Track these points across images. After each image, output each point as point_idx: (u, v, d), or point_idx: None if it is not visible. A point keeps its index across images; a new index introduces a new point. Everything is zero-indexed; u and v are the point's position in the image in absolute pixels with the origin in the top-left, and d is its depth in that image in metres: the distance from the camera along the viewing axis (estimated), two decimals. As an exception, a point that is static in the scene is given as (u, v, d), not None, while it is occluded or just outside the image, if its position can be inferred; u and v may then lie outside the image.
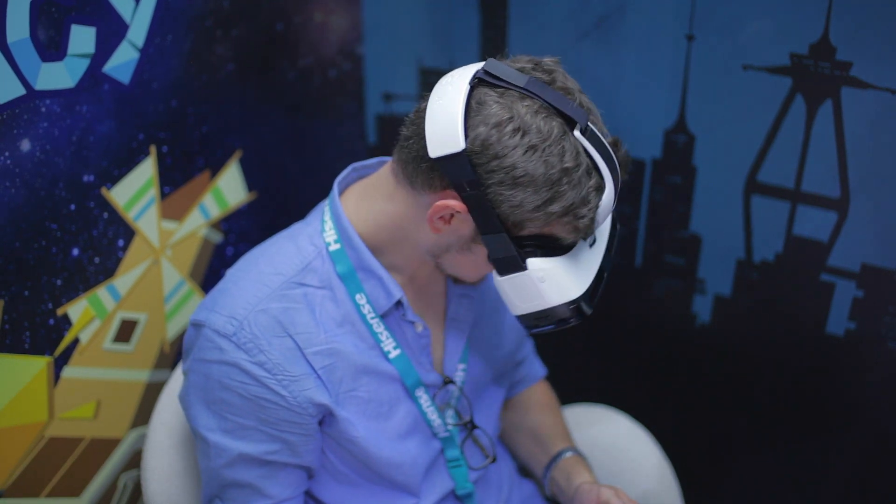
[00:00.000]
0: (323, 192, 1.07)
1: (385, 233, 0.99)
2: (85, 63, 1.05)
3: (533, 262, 0.91)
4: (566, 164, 0.86)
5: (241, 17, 1.30)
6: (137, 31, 1.12)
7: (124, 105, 1.13)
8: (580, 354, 1.62)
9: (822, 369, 1.38)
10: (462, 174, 0.87)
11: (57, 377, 1.11)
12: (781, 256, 1.35)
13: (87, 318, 1.14)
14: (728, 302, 1.43)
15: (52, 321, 1.09)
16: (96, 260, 1.14)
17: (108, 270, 1.16)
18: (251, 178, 1.40)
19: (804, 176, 1.28)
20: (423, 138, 0.88)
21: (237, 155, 1.36)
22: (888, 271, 1.26)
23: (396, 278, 1.02)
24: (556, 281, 0.92)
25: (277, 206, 1.47)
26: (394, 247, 1.00)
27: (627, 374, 1.59)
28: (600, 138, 0.89)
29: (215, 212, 1.34)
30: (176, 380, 1.19)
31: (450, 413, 1.10)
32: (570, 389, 1.40)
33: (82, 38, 1.04)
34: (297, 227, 1.06)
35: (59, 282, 1.09)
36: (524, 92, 0.87)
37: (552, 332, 0.97)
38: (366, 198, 1.01)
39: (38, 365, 1.08)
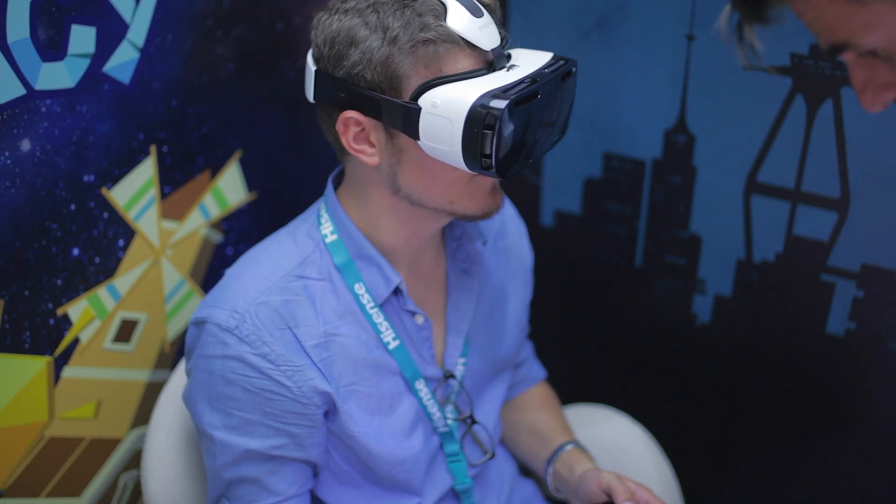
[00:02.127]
0: (323, 191, 1.07)
1: (366, 214, 1.01)
2: (85, 63, 1.05)
3: (423, 99, 0.87)
4: (378, 3, 0.88)
5: (242, 17, 1.30)
6: (137, 31, 1.12)
7: (124, 105, 1.13)
8: (580, 354, 1.62)
9: (822, 369, 1.38)
10: (329, 87, 0.92)
11: (57, 377, 1.11)
12: (781, 256, 1.35)
13: (88, 318, 1.14)
14: (728, 302, 1.43)
15: (52, 321, 1.09)
16: (96, 260, 1.14)
17: (108, 270, 1.16)
18: (251, 178, 1.40)
19: (804, 176, 1.28)
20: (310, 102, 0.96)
21: (237, 155, 1.36)
22: (888, 271, 1.26)
23: (397, 269, 1.03)
24: (451, 95, 0.85)
25: (278, 206, 1.47)
26: (379, 226, 1.01)
27: (627, 374, 1.59)
28: None
29: (215, 212, 1.34)
30: (176, 380, 1.19)
31: (449, 408, 1.10)
32: (570, 389, 1.40)
33: (82, 38, 1.04)
34: (294, 224, 1.07)
35: (59, 282, 1.09)
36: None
37: (515, 157, 0.88)
38: (348, 192, 1.03)
39: (38, 365, 1.08)
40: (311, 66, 0.94)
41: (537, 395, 1.30)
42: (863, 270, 1.28)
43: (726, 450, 1.55)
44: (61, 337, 1.11)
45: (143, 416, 1.26)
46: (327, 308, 1.00)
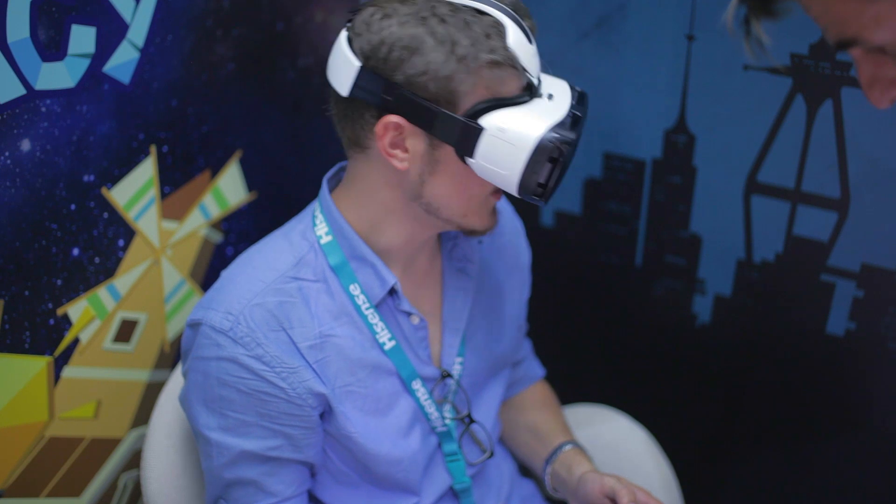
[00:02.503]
0: (322, 192, 1.08)
1: (368, 215, 1.01)
2: (85, 63, 1.05)
3: (486, 120, 0.89)
4: (442, 14, 0.88)
5: (242, 16, 1.30)
6: (138, 31, 1.12)
7: (124, 105, 1.13)
8: (580, 354, 1.62)
9: (822, 369, 1.38)
10: (375, 88, 0.90)
11: (57, 377, 1.11)
12: (781, 256, 1.35)
13: (88, 318, 1.14)
14: (728, 302, 1.43)
15: (52, 321, 1.09)
16: (96, 260, 1.14)
17: (108, 270, 1.16)
18: (251, 177, 1.40)
19: (804, 176, 1.28)
20: (335, 90, 0.94)
21: (237, 155, 1.36)
22: (888, 271, 1.26)
23: (392, 269, 1.02)
24: (518, 124, 0.89)
25: (278, 206, 1.47)
26: (380, 227, 1.01)
27: (627, 374, 1.59)
28: None
29: (216, 212, 1.34)
30: (176, 380, 1.19)
31: (447, 407, 1.10)
32: (570, 389, 1.40)
33: (82, 38, 1.04)
34: (289, 225, 1.07)
35: (59, 282, 1.09)
36: None
37: (558, 184, 0.91)
38: (346, 190, 1.03)
39: (38, 365, 1.08)
40: (353, 61, 0.91)
41: (536, 394, 1.30)
42: (863, 270, 1.28)
43: (726, 450, 1.55)
44: (61, 337, 1.11)
45: (143, 416, 1.26)
46: (322, 309, 0.99)
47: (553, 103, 0.92)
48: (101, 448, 1.22)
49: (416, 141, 0.92)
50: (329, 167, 1.09)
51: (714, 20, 1.27)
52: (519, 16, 0.91)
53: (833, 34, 0.68)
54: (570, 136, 0.88)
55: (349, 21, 0.94)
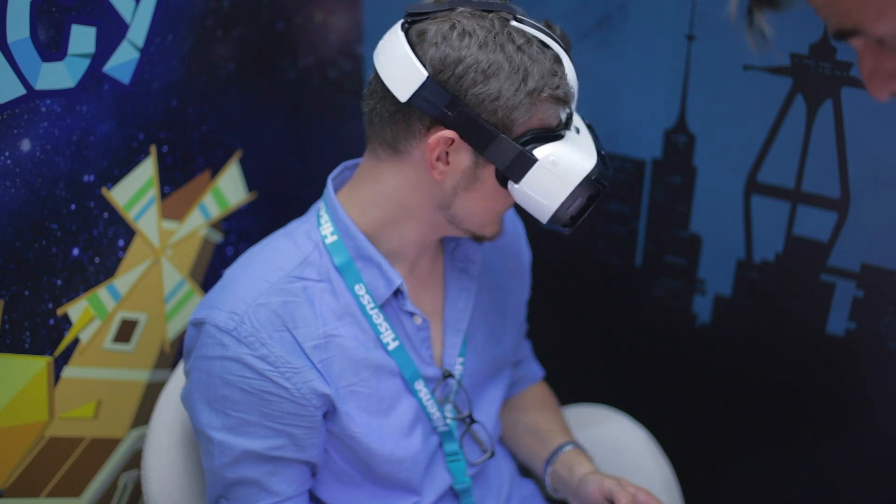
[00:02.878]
0: (323, 192, 1.07)
1: (381, 216, 1.00)
2: (85, 63, 1.05)
3: (540, 151, 0.92)
4: (519, 43, 0.91)
5: (242, 17, 1.30)
6: (138, 31, 1.12)
7: (124, 105, 1.13)
8: (580, 354, 1.62)
9: (822, 369, 1.38)
10: (438, 100, 0.91)
11: (57, 377, 1.11)
12: (781, 256, 1.35)
13: (88, 318, 1.14)
14: (728, 302, 1.43)
15: (52, 321, 1.09)
16: (96, 260, 1.14)
17: (108, 270, 1.16)
18: (251, 178, 1.40)
19: (804, 176, 1.28)
20: (389, 92, 0.92)
21: (237, 155, 1.36)
22: (888, 271, 1.26)
23: (397, 269, 1.02)
24: (568, 159, 0.93)
25: (278, 206, 1.47)
26: (392, 229, 1.01)
27: (627, 374, 1.59)
28: (534, 22, 0.94)
29: (216, 212, 1.34)
30: (176, 380, 1.19)
31: (448, 407, 1.10)
32: (570, 389, 1.40)
33: (82, 38, 1.04)
34: (293, 225, 1.07)
35: (59, 282, 1.09)
36: (451, 7, 0.93)
37: (586, 213, 0.96)
38: (356, 189, 1.02)
39: (38, 365, 1.08)
40: (420, 69, 0.90)
41: (536, 395, 1.30)
42: (863, 270, 1.28)
43: (726, 450, 1.55)
44: (61, 337, 1.11)
45: (143, 416, 1.27)
46: (326, 309, 0.99)
47: (583, 138, 0.97)
48: (101, 448, 1.22)
49: (462, 157, 0.93)
50: (329, 167, 1.09)
51: (714, 20, 1.27)
52: (564, 48, 0.95)
53: (834, 24, 0.69)
54: (609, 174, 0.95)
55: (408, 22, 0.94)
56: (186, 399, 1.01)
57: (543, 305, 1.34)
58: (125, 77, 1.12)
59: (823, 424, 1.42)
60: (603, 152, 0.97)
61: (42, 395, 1.10)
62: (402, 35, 0.93)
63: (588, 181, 0.93)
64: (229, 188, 1.36)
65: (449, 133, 0.91)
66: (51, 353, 1.10)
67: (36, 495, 1.13)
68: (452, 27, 0.90)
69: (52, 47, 1.00)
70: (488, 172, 0.95)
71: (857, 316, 1.31)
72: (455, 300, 1.10)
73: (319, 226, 1.02)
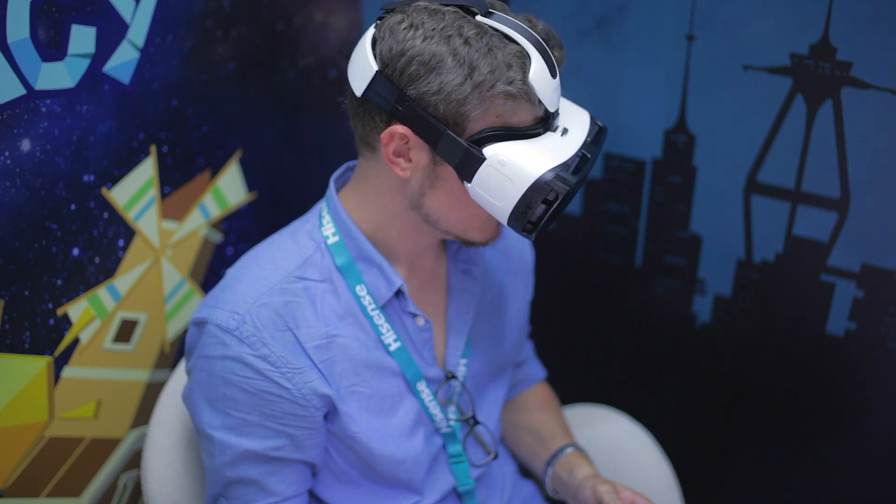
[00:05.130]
0: (323, 192, 1.07)
1: (371, 216, 1.00)
2: (85, 63, 1.05)
3: (489, 150, 0.87)
4: (467, 35, 0.86)
5: (242, 17, 1.30)
6: (138, 31, 1.12)
7: (124, 105, 1.13)
8: (580, 354, 1.62)
9: (822, 369, 1.38)
10: (388, 95, 0.89)
11: (57, 377, 1.11)
12: (781, 256, 1.35)
13: (88, 318, 1.14)
14: (728, 302, 1.43)
15: (52, 321, 1.09)
16: (96, 260, 1.14)
17: (108, 270, 1.16)
18: (251, 178, 1.40)
19: (804, 176, 1.28)
20: (351, 88, 0.92)
21: (237, 155, 1.36)
22: (888, 271, 1.26)
23: (398, 270, 1.02)
24: (519, 160, 0.87)
25: (278, 206, 1.47)
26: (384, 229, 1.01)
27: (627, 374, 1.59)
28: (509, 18, 0.89)
29: (216, 212, 1.34)
30: (176, 380, 1.19)
31: (451, 409, 1.10)
32: (570, 389, 1.40)
33: (82, 38, 1.04)
34: (295, 225, 1.06)
35: (59, 282, 1.09)
36: (419, 2, 0.90)
37: (551, 222, 0.90)
38: (353, 189, 1.02)
39: (38, 365, 1.08)
40: (372, 64, 0.89)
41: (537, 396, 1.30)
42: (863, 270, 1.28)
43: (726, 450, 1.55)
44: (61, 337, 1.11)
45: (143, 416, 1.27)
46: (328, 309, 0.99)
47: (565, 139, 0.91)
48: (101, 448, 1.22)
49: (421, 154, 0.91)
50: (329, 167, 1.09)
51: (714, 20, 1.27)
52: (549, 46, 0.90)
53: None
54: (570, 179, 0.86)
55: (380, 18, 0.93)
56: (187, 398, 1.01)
57: (544, 305, 1.34)
58: (125, 77, 1.12)
59: (823, 424, 1.42)
60: (589, 156, 0.90)
61: (42, 395, 1.10)
62: (371, 30, 0.93)
63: (539, 185, 0.86)
64: (229, 188, 1.36)
65: (401, 128, 0.90)
66: (51, 353, 1.10)
67: (36, 495, 1.13)
68: (402, 21, 0.88)
69: (52, 47, 1.00)
70: (448, 171, 0.92)
71: (857, 316, 1.31)
72: (458, 301, 1.10)
73: (321, 226, 1.02)
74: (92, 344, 1.16)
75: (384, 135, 0.90)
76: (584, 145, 0.91)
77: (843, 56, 1.18)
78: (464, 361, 1.11)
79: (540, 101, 0.88)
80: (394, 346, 1.03)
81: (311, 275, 0.99)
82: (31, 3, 0.96)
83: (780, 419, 1.46)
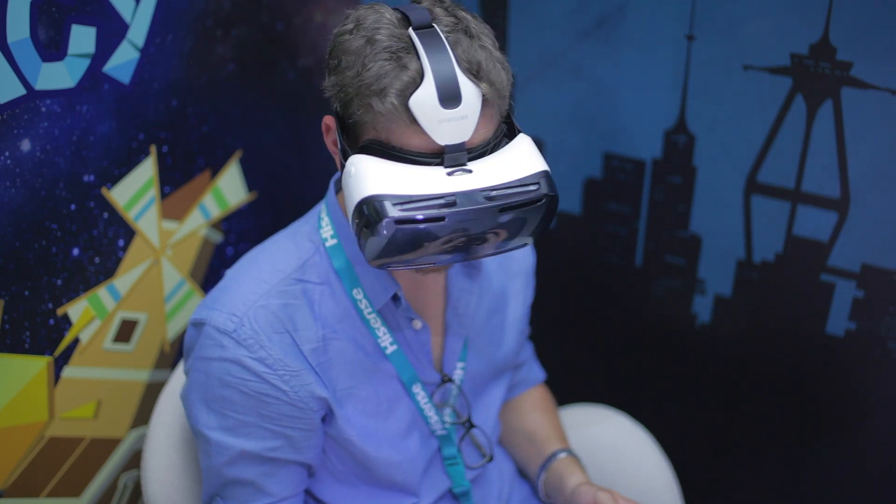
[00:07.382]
0: (323, 192, 1.07)
1: None
2: (85, 63, 1.05)
3: (353, 158, 0.83)
4: (376, 37, 0.83)
5: (242, 17, 1.30)
6: (138, 31, 1.12)
7: (124, 105, 1.13)
8: (580, 354, 1.62)
9: (822, 369, 1.38)
10: (329, 85, 0.89)
11: (57, 377, 1.11)
12: (781, 256, 1.35)
13: (88, 318, 1.14)
14: (728, 302, 1.43)
15: (52, 321, 1.09)
16: (96, 260, 1.14)
17: (108, 270, 1.16)
18: (251, 178, 1.40)
19: (804, 176, 1.28)
20: None
21: (237, 155, 1.36)
22: (888, 271, 1.26)
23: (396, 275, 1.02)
24: (365, 175, 0.81)
25: (278, 206, 1.47)
26: None
27: (627, 374, 1.59)
28: (437, 38, 0.82)
29: (216, 212, 1.34)
30: (176, 380, 1.19)
31: (448, 411, 1.10)
32: (570, 389, 1.40)
33: (82, 38, 1.04)
34: (294, 226, 1.06)
35: (59, 282, 1.09)
36: (379, 4, 0.89)
37: (378, 246, 0.82)
38: None
39: (38, 365, 1.08)
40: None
41: (535, 398, 1.30)
42: (863, 270, 1.28)
43: (726, 450, 1.55)
44: (61, 337, 1.11)
45: (143, 416, 1.27)
46: (326, 312, 0.99)
47: (450, 179, 0.81)
48: (101, 448, 1.22)
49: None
50: (328, 167, 1.09)
51: (714, 20, 1.27)
52: (473, 77, 0.82)
53: None
54: (392, 213, 0.78)
55: None
56: (185, 398, 1.01)
57: (543, 305, 1.34)
58: (125, 77, 1.12)
59: (823, 424, 1.42)
60: (457, 206, 0.79)
61: (42, 395, 1.10)
62: None
63: (360, 205, 0.80)
64: (229, 188, 1.36)
65: (329, 118, 0.91)
66: (51, 353, 1.10)
67: (36, 495, 1.13)
68: (353, 13, 0.89)
69: (52, 47, 1.00)
70: None
71: (857, 316, 1.31)
72: (456, 305, 1.10)
73: (320, 228, 1.02)
74: (92, 344, 1.16)
75: (322, 123, 0.93)
76: (469, 193, 0.80)
77: (843, 56, 1.18)
78: (461, 365, 1.11)
79: (423, 129, 0.81)
80: (390, 350, 1.03)
81: (309, 277, 0.99)
82: (31, 3, 0.96)
83: (779, 419, 1.46)
